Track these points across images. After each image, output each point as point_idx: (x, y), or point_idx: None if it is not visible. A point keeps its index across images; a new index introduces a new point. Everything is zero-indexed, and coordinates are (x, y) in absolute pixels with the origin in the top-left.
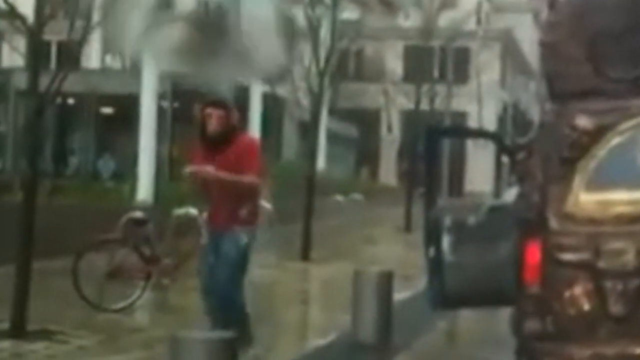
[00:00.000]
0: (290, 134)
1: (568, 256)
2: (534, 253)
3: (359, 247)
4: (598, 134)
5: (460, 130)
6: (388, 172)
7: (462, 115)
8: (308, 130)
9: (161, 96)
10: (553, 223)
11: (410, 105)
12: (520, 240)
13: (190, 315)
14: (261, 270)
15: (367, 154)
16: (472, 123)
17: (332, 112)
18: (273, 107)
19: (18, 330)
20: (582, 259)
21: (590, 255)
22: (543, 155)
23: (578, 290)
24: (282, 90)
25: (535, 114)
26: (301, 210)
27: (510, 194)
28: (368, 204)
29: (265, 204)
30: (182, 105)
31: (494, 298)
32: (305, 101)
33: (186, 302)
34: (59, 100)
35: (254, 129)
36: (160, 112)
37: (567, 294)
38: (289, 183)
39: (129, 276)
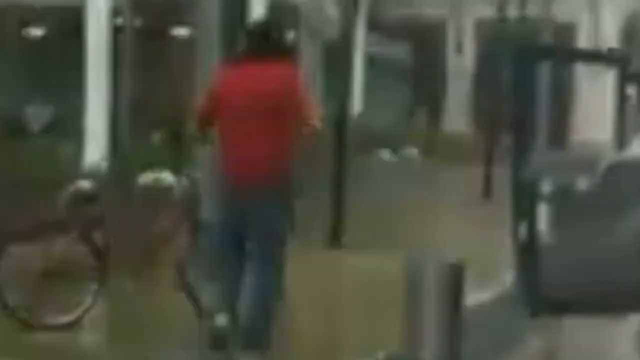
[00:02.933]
0: (309, 59)
1: None
2: None
3: (413, 227)
4: None
5: (565, 51)
6: (457, 114)
7: (569, 28)
8: (337, 53)
9: (116, 11)
10: None
11: (490, 12)
12: None
13: (166, 334)
14: None
15: (426, 89)
16: (584, 39)
17: (373, 25)
18: (284, 18)
19: None
20: None
21: None
22: None
23: None
24: None
25: None
26: (328, 173)
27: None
28: (427, 162)
29: None
30: (147, 24)
31: (613, 300)
32: (332, 9)
33: (159, 314)
34: None
35: None
36: (117, 34)
37: None
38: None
39: (75, 276)
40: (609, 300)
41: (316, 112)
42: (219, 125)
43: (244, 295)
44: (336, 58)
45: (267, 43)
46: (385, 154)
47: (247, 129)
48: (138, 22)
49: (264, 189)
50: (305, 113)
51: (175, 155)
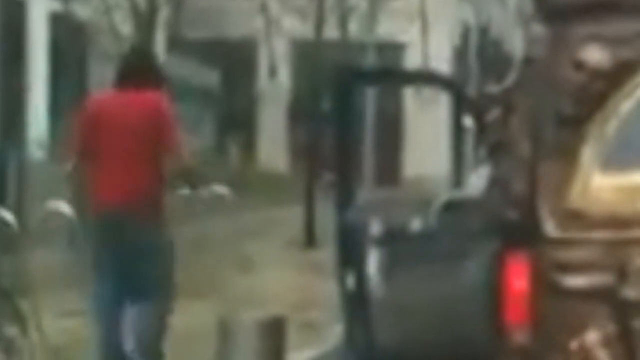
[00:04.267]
0: (100, 82)
1: (575, 280)
2: (519, 276)
3: (225, 276)
4: (620, 75)
5: (392, 74)
6: (272, 147)
7: (396, 48)
8: None
9: None
10: (549, 226)
11: (306, 31)
12: (497, 255)
13: None
14: (61, 319)
15: (235, 117)
16: (413, 61)
17: (173, 45)
18: (70, 38)
19: None
20: (599, 283)
21: (612, 277)
22: (530, 113)
23: (593, 335)
24: (83, 10)
25: (516, 44)
26: None
27: (478, 180)
28: (240, 201)
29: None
30: None
31: (455, 354)
32: (126, 27)
33: None
34: None
35: (38, 75)
36: None
37: (574, 342)
38: None
39: None
40: (448, 354)
41: (183, 144)
42: (90, 157)
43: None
44: None
45: (136, 72)
46: (190, 193)
47: (114, 157)
48: None
49: (130, 215)
50: (171, 145)
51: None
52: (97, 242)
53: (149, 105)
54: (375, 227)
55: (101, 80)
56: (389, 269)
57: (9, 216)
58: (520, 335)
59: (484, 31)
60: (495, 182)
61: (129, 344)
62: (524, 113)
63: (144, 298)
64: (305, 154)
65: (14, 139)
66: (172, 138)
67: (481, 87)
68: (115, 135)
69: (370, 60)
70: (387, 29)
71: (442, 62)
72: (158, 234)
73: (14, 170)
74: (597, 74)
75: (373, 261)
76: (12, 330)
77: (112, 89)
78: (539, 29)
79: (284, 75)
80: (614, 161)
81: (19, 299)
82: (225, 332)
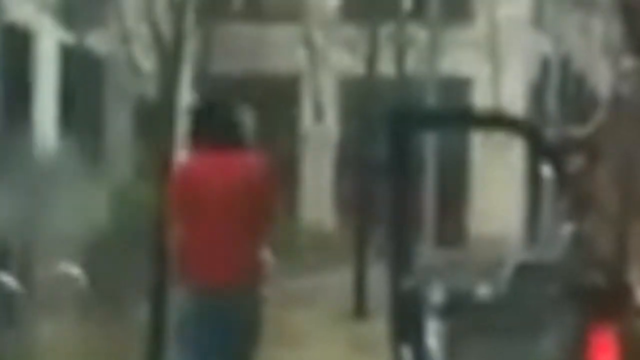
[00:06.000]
0: (118, 123)
1: None
2: (606, 353)
3: (265, 352)
4: None
5: (456, 116)
6: (318, 200)
7: (462, 85)
8: (154, 116)
9: None
10: None
11: (357, 66)
12: (580, 329)
13: None
14: None
15: (275, 166)
16: (482, 99)
17: (200, 81)
18: (83, 73)
19: None
20: None
21: None
22: (620, 160)
23: None
24: (98, 42)
25: (602, 80)
26: (144, 280)
27: (559, 238)
28: (281, 265)
29: None
30: None
31: None
32: (147, 62)
33: None
34: None
35: (46, 117)
36: None
37: None
38: (120, 224)
39: None
40: None
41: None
42: (187, 226)
43: None
44: (152, 124)
45: (225, 129)
46: None
47: (215, 227)
48: None
49: (234, 293)
50: (270, 212)
51: None
52: (190, 318)
53: (248, 169)
54: (437, 295)
55: (118, 122)
56: (452, 344)
57: (11, 281)
58: None
59: (564, 65)
60: (577, 242)
61: None
62: (613, 161)
63: None
64: (356, 208)
65: None
66: (273, 205)
67: (562, 130)
68: (214, 203)
69: (431, 99)
70: (451, 62)
71: (516, 101)
72: (255, 311)
73: None
74: None
75: (434, 334)
76: None
77: (199, 150)
78: (629, 62)
79: (331, 117)
80: None
81: None
82: None
